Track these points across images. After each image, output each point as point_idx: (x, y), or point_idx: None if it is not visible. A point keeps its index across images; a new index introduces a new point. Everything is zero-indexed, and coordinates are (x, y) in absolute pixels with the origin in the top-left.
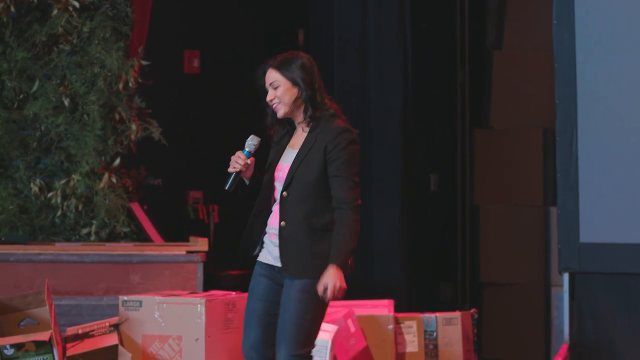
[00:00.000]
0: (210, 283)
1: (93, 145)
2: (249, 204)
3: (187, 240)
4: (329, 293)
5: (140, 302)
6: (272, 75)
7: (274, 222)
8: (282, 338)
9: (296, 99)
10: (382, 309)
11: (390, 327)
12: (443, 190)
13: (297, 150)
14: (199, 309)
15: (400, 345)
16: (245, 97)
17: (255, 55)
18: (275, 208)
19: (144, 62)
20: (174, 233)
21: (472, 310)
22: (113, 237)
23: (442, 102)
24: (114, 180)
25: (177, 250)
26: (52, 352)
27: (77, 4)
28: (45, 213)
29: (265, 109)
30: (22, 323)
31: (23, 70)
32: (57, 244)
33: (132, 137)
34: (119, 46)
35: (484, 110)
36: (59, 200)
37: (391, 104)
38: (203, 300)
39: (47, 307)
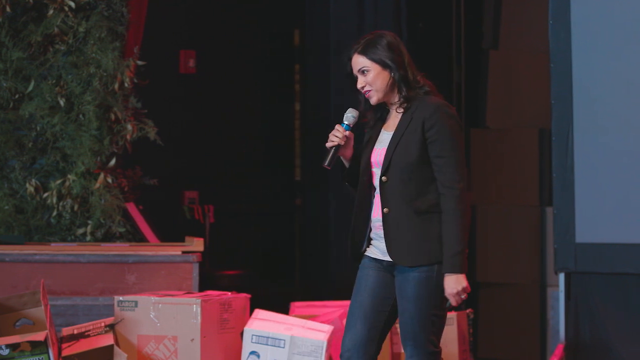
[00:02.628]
0: (205, 283)
1: (89, 146)
2: (345, 192)
3: (183, 240)
4: (453, 303)
5: (136, 302)
6: (359, 61)
7: (377, 213)
8: (408, 338)
9: (389, 82)
10: None
11: None
12: None
13: (392, 132)
14: (194, 309)
15: (396, 345)
16: (241, 97)
17: (250, 55)
18: (376, 197)
19: (139, 62)
20: (169, 233)
21: (468, 310)
22: (109, 238)
23: None
24: (109, 180)
25: (173, 251)
26: (47, 352)
27: (72, 4)
28: (41, 213)
29: (357, 96)
30: (17, 323)
31: (19, 70)
32: (52, 244)
33: (128, 137)
34: (115, 46)
35: (479, 110)
36: (54, 200)
37: None
38: (199, 301)
39: (43, 307)
